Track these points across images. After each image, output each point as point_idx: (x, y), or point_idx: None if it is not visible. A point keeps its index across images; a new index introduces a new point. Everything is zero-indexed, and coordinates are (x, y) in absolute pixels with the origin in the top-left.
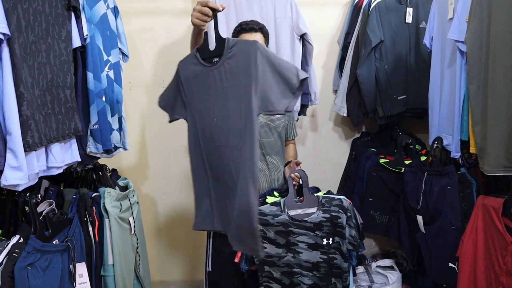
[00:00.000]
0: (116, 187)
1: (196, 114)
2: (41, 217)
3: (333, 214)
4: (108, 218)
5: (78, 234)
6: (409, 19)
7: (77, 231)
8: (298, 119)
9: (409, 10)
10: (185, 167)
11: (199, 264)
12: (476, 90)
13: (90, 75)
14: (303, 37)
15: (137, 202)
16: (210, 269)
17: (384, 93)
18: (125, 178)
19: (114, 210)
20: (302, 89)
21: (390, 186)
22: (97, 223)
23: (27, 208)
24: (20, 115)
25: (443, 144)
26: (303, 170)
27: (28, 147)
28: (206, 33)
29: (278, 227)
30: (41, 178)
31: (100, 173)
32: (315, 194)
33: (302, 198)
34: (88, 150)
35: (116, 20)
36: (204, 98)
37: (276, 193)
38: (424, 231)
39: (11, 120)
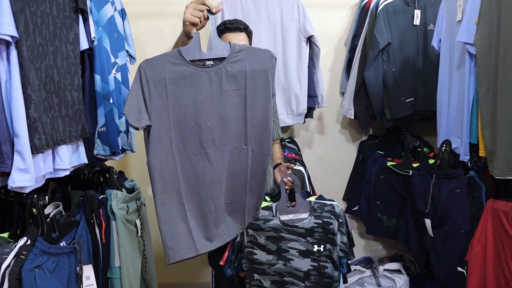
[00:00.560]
0: (123, 189)
1: (173, 120)
2: (48, 219)
3: (325, 220)
4: (115, 220)
5: (85, 236)
6: (417, 21)
7: (84, 233)
8: (305, 121)
9: (417, 12)
10: None
11: (205, 266)
12: (486, 92)
13: (97, 77)
14: (310, 40)
15: (144, 204)
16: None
17: (392, 95)
18: (132, 180)
19: (121, 212)
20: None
21: (397, 189)
22: (104, 225)
23: (34, 210)
24: (28, 117)
25: (451, 147)
26: (294, 175)
27: (36, 149)
28: (196, 34)
29: (270, 232)
30: (48, 180)
31: (107, 175)
32: (307, 199)
33: (294, 203)
34: (95, 152)
35: (123, 23)
36: (191, 101)
37: (267, 198)
38: (432, 235)
39: (18, 122)
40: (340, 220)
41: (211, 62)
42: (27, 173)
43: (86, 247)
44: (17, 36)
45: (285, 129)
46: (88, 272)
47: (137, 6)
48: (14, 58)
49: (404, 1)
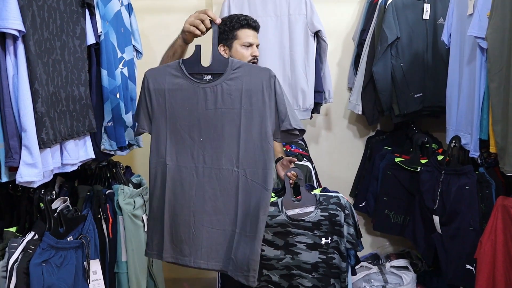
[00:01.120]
0: (130, 184)
1: (169, 130)
2: (55, 214)
3: (331, 212)
4: (122, 215)
5: (92, 231)
6: (426, 16)
7: (91, 228)
8: (312, 117)
9: (427, 6)
10: None
11: None
12: (497, 88)
13: (104, 72)
14: (317, 34)
15: None
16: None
17: (400, 91)
18: (139, 175)
19: (127, 207)
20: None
21: (405, 186)
22: (110, 220)
23: (42, 205)
24: (35, 112)
25: (461, 143)
26: (298, 168)
27: (43, 144)
28: (197, 46)
29: (276, 228)
30: (55, 175)
31: (114, 170)
32: (312, 193)
33: (299, 197)
34: (102, 147)
35: (130, 17)
36: (186, 114)
37: (272, 193)
38: (440, 232)
39: (26, 117)
40: (347, 212)
41: (210, 76)
42: (35, 167)
43: (93, 242)
44: (24, 31)
45: None
46: (95, 266)
47: (144, 1)
48: (21, 52)
49: None
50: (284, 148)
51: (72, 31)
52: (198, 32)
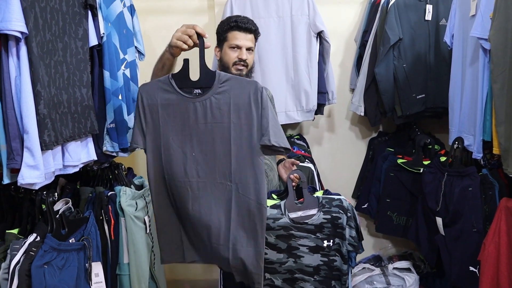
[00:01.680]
0: (132, 186)
1: (163, 144)
2: (57, 216)
3: (334, 215)
4: (124, 217)
5: (94, 233)
6: (428, 16)
7: (93, 230)
8: (314, 118)
9: (429, 7)
10: None
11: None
12: (501, 89)
13: (106, 74)
14: (320, 35)
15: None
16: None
17: (403, 92)
18: (141, 177)
19: (129, 209)
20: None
21: (408, 187)
22: (112, 221)
23: (44, 207)
24: (37, 114)
25: (463, 144)
26: (300, 170)
27: (45, 146)
28: (186, 60)
29: (279, 230)
30: (57, 177)
31: (116, 171)
32: (314, 195)
33: (302, 199)
34: (104, 148)
35: (132, 19)
36: (178, 129)
37: (274, 196)
38: (443, 234)
39: (28, 119)
40: (349, 214)
41: (199, 91)
42: (37, 169)
43: (95, 244)
44: (27, 32)
45: (294, 125)
46: (97, 269)
47: (146, 2)
48: (24, 54)
49: None
50: None
51: (74, 32)
52: (185, 46)
